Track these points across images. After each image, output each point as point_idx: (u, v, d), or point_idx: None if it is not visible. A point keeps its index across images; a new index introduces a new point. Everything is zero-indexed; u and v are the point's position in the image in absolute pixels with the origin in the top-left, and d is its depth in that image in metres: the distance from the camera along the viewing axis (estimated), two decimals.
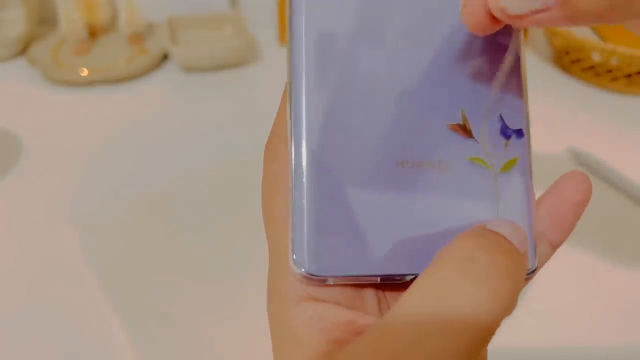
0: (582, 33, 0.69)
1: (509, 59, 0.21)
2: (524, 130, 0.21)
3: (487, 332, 0.16)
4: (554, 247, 0.21)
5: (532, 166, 0.21)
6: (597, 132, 0.61)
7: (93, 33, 0.73)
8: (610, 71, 0.66)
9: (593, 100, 0.67)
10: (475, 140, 0.21)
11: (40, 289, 0.44)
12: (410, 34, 0.21)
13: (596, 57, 0.66)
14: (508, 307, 0.16)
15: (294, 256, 0.19)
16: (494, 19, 0.17)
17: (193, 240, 0.48)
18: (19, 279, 0.45)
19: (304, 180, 0.19)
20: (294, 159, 0.20)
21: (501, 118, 0.21)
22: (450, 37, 0.21)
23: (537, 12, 0.16)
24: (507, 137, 0.21)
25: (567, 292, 0.45)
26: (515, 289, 0.16)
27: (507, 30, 0.21)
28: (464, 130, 0.20)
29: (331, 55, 0.20)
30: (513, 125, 0.21)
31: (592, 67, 0.68)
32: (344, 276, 0.19)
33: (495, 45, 0.21)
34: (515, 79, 0.21)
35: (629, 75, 0.66)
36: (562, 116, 0.63)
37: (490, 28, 0.18)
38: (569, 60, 0.70)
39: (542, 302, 0.43)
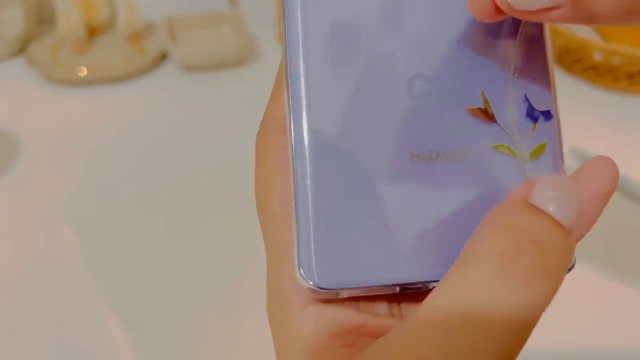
0: (584, 33, 0.69)
1: (531, 32, 0.19)
2: (553, 112, 0.19)
3: (526, 333, 0.15)
4: (576, 240, 0.19)
5: (563, 151, 0.19)
6: (599, 132, 0.61)
7: (92, 32, 0.73)
8: (611, 71, 0.66)
9: (594, 100, 0.67)
10: (499, 125, 0.18)
11: (39, 289, 0.44)
12: (421, 9, 0.18)
13: (598, 57, 0.66)
14: (546, 305, 0.16)
15: (301, 267, 0.17)
16: (499, 9, 0.16)
17: (192, 240, 0.48)
18: (17, 279, 0.44)
19: (308, 181, 0.17)
20: (295, 157, 0.17)
21: (526, 99, 0.18)
22: (464, 11, 0.18)
23: (546, 9, 0.15)
24: (534, 119, 0.19)
25: (565, 292, 0.44)
26: (555, 287, 0.16)
27: None
28: (486, 114, 0.18)
29: (336, 35, 0.18)
30: (540, 106, 0.19)
31: (593, 67, 0.67)
32: (359, 288, 0.17)
33: (517, 18, 0.18)
34: (540, 55, 0.19)
35: (631, 75, 0.66)
36: (563, 116, 0.63)
37: (496, 17, 0.17)
38: (570, 60, 0.69)
39: None
